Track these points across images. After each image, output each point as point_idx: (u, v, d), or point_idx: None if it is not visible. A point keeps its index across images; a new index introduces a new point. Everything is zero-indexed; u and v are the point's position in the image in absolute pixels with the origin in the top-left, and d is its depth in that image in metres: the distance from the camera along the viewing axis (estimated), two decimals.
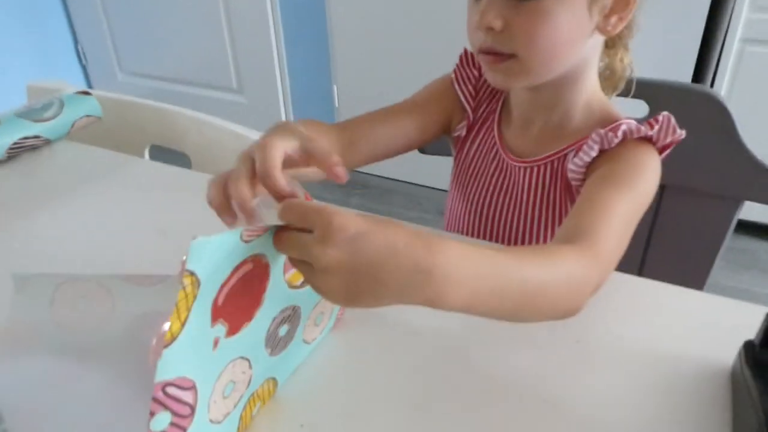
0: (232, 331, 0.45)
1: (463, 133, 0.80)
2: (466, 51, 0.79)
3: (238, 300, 0.44)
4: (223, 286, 0.42)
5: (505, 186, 0.76)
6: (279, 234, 0.44)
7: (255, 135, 0.94)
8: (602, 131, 0.65)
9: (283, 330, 0.51)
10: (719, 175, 0.87)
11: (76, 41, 2.62)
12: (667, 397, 0.53)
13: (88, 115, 0.91)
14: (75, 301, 0.62)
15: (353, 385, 0.55)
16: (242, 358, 0.47)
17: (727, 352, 0.55)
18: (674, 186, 0.90)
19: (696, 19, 1.52)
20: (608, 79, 0.74)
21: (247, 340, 0.47)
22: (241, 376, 0.48)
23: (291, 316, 0.51)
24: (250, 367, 0.48)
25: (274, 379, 0.52)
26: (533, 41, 0.62)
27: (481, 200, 0.78)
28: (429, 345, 0.59)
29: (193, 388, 0.41)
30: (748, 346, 0.53)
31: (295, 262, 0.44)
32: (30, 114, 0.87)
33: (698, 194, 0.89)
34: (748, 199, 0.86)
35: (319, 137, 0.66)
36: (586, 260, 0.53)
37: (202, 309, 0.41)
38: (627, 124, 0.66)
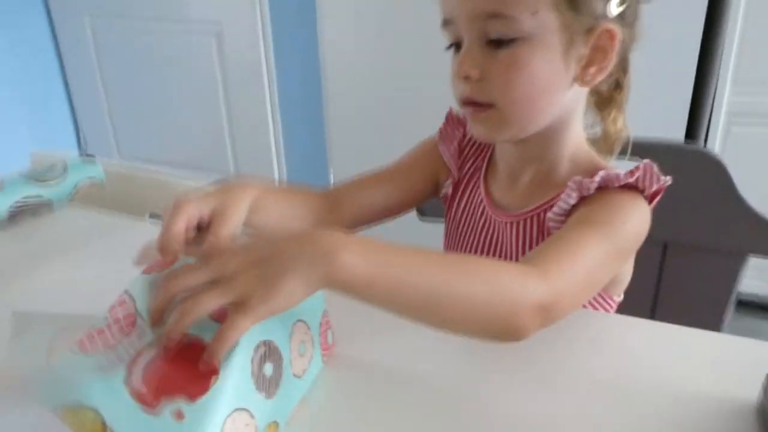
0: (197, 393, 0.43)
1: (450, 191, 0.80)
2: (451, 110, 0.81)
3: (174, 367, 0.44)
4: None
5: (493, 242, 0.75)
6: (174, 273, 0.47)
7: None
8: (579, 178, 0.64)
9: (268, 369, 0.48)
10: (721, 231, 0.87)
11: (76, 125, 2.67)
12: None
13: (91, 179, 0.92)
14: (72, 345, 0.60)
15: (350, 424, 0.53)
16: (238, 410, 0.45)
17: (750, 389, 0.53)
18: (677, 244, 0.90)
19: (686, 78, 1.57)
20: (603, 141, 0.74)
21: (233, 392, 0.44)
22: (245, 429, 0.45)
23: (269, 353, 0.49)
24: (252, 416, 0.46)
25: (275, 422, 0.49)
26: (509, 89, 0.63)
27: (473, 252, 0.77)
28: (425, 383, 0.57)
29: None
30: None
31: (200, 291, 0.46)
32: (33, 175, 0.87)
33: (702, 251, 0.89)
34: (751, 253, 0.86)
35: (291, 199, 0.73)
36: (530, 277, 0.52)
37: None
38: (606, 170, 0.65)
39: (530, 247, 0.71)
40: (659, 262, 0.91)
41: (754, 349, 0.60)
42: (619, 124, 0.73)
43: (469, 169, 0.79)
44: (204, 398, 0.43)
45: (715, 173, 0.86)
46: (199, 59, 2.23)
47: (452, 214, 0.80)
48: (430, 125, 0.83)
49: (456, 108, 0.73)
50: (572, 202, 0.64)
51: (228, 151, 2.32)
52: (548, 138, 0.69)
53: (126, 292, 0.49)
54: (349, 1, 1.84)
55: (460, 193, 0.79)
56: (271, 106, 2.18)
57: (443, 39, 0.68)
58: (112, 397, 0.42)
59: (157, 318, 0.48)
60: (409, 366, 0.60)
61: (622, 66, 0.68)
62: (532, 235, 0.70)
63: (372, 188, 0.78)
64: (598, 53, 0.63)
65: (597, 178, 0.63)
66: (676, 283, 0.91)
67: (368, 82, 1.92)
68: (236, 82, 2.21)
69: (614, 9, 0.62)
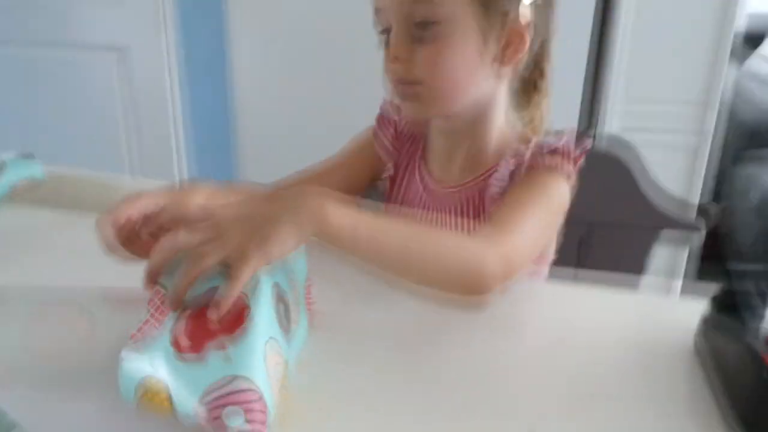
0: (234, 327, 0.47)
1: (392, 172, 0.87)
2: (380, 113, 0.90)
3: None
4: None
5: (435, 213, 0.82)
6: (172, 234, 0.51)
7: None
8: (514, 146, 0.75)
9: (281, 308, 0.52)
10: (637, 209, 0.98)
11: None
12: (645, 376, 0.59)
13: (30, 178, 0.89)
14: (54, 327, 0.59)
15: (337, 384, 0.56)
16: (272, 338, 0.48)
17: (684, 335, 0.63)
18: (598, 223, 1.00)
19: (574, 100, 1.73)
20: (529, 125, 0.82)
21: (266, 321, 0.48)
22: (276, 357, 0.49)
23: (279, 295, 0.53)
24: (280, 347, 0.50)
25: (287, 361, 0.52)
26: (434, 68, 0.71)
27: None
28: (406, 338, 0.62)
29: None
30: (705, 319, 0.61)
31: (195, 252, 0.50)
32: None
33: (620, 226, 1.00)
34: (665, 227, 0.98)
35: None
36: (484, 241, 0.61)
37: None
38: (536, 139, 0.75)
39: (471, 213, 0.78)
40: (576, 253, 1.01)
41: (681, 304, 0.70)
42: (543, 110, 0.82)
43: (405, 154, 0.86)
44: (242, 328, 0.47)
45: (621, 172, 0.97)
46: (101, 84, 2.16)
47: (394, 193, 0.86)
48: (343, 133, 0.90)
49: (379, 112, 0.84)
50: (511, 167, 0.74)
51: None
52: (476, 120, 0.77)
53: (159, 283, 0.52)
54: (261, 28, 1.87)
55: (401, 172, 0.86)
56: (176, 138, 2.14)
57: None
58: (168, 361, 0.46)
59: (154, 275, 0.52)
60: (383, 325, 0.65)
61: (544, 54, 0.77)
62: (473, 202, 0.78)
63: (322, 180, 0.82)
64: (514, 36, 0.72)
65: (531, 145, 0.73)
66: (598, 259, 1.01)
67: (279, 105, 1.95)
68: (141, 108, 2.16)
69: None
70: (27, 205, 0.90)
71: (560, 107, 0.82)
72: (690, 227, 0.94)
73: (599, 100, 1.78)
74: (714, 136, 1.76)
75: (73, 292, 0.61)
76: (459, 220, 0.79)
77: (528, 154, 0.73)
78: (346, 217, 0.54)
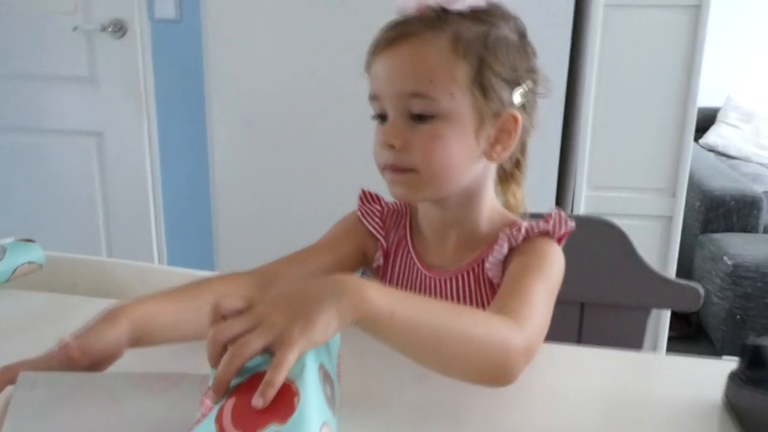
0: (285, 415, 0.46)
1: (381, 261, 0.86)
2: (363, 191, 0.89)
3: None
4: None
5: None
6: (218, 326, 0.51)
7: (206, 273, 0.95)
8: (508, 231, 0.76)
9: (327, 389, 0.51)
10: (627, 290, 1.01)
11: None
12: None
13: (30, 262, 0.87)
14: (81, 412, 0.57)
15: None
16: (325, 423, 0.47)
17: (710, 393, 0.64)
18: (592, 303, 1.03)
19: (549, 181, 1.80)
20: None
21: (317, 406, 0.47)
22: None
23: (325, 376, 0.52)
24: (332, 430, 0.48)
25: None
26: (428, 157, 0.73)
27: None
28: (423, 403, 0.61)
29: None
30: (734, 374, 0.62)
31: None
32: None
33: (613, 307, 1.02)
34: (654, 307, 1.01)
35: (230, 285, 0.75)
36: (511, 326, 0.62)
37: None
38: (528, 223, 0.77)
39: (470, 300, 0.79)
40: (578, 321, 1.03)
41: (704, 364, 0.72)
42: (519, 197, 0.85)
43: (394, 238, 0.86)
44: (295, 416, 0.45)
45: (619, 241, 1.01)
46: (79, 168, 2.16)
47: (386, 281, 0.85)
48: (320, 229, 0.88)
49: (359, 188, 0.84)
50: (505, 252, 0.75)
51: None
52: (466, 203, 0.79)
53: (208, 388, 0.50)
54: (238, 109, 1.91)
55: (391, 260, 0.85)
56: (156, 220, 2.13)
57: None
58: None
59: (215, 363, 0.50)
60: (405, 389, 0.64)
61: (522, 148, 0.81)
62: (470, 288, 0.79)
63: (303, 264, 0.81)
64: (503, 134, 0.75)
65: (522, 230, 0.75)
66: (595, 338, 1.03)
67: (258, 189, 1.96)
68: (120, 191, 2.15)
69: (517, 99, 0.75)
70: (27, 289, 0.87)
71: (534, 193, 0.86)
72: (691, 290, 0.97)
73: (567, 186, 1.86)
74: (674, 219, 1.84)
75: (100, 379, 0.59)
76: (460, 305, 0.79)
77: (520, 238, 0.75)
78: (384, 301, 0.54)
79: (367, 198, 0.88)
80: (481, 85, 0.72)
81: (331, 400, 0.51)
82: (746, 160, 2.99)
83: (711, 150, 3.02)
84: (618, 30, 1.74)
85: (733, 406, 0.62)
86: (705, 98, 1.76)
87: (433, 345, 0.57)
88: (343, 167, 1.83)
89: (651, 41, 1.74)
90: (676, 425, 0.61)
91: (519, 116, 0.74)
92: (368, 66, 0.76)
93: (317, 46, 1.81)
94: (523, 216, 0.83)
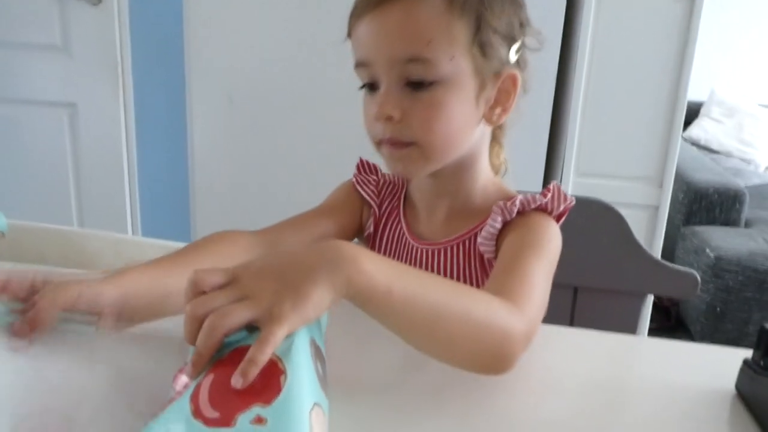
0: (271, 396, 0.41)
1: (371, 230, 0.82)
2: (361, 160, 0.85)
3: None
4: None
5: None
6: (199, 298, 0.46)
7: (181, 244, 0.90)
8: (501, 203, 0.71)
9: (319, 367, 0.47)
10: (623, 275, 0.98)
11: None
12: (689, 422, 0.56)
13: None
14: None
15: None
16: (316, 404, 0.42)
17: (721, 381, 0.61)
18: (586, 287, 0.99)
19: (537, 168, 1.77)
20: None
21: (308, 386, 0.42)
22: (322, 426, 0.43)
23: (316, 352, 0.47)
24: (324, 413, 0.44)
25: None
26: (430, 128, 0.67)
27: None
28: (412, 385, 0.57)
29: None
30: (749, 362, 0.59)
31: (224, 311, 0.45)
32: None
33: (607, 292, 0.99)
34: (650, 293, 0.98)
35: (231, 248, 0.68)
36: (512, 310, 0.57)
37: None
38: (523, 195, 0.72)
39: (458, 273, 0.75)
40: (571, 305, 1.00)
41: (716, 351, 0.69)
42: (501, 157, 0.81)
43: (386, 208, 0.82)
44: (280, 397, 0.40)
45: (616, 223, 0.98)
46: (51, 140, 2.07)
47: (375, 249, 0.82)
48: (299, 204, 0.84)
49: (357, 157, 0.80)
50: (498, 226, 0.71)
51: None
52: (460, 173, 0.75)
53: (185, 363, 0.45)
54: (220, 84, 1.84)
55: (380, 229, 0.82)
56: (130, 194, 2.06)
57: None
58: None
59: (193, 342, 0.45)
60: (401, 366, 0.59)
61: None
62: (459, 261, 0.75)
63: (306, 229, 0.77)
64: (502, 95, 0.70)
65: (517, 203, 0.70)
66: (587, 323, 1.00)
67: (238, 164, 1.91)
68: (94, 163, 2.07)
69: (513, 56, 0.70)
70: None
71: (522, 178, 0.83)
72: (689, 277, 0.94)
73: (555, 172, 1.83)
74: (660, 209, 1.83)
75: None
76: (448, 278, 0.75)
77: (515, 212, 0.70)
78: (382, 275, 0.48)
79: (365, 167, 0.85)
80: (481, 44, 0.67)
81: (323, 379, 0.46)
82: (728, 155, 2.99)
83: (693, 143, 3.03)
84: (610, 18, 1.71)
85: (745, 394, 0.58)
86: (689, 92, 1.74)
87: (430, 326, 0.52)
88: (325, 142, 1.79)
89: (643, 30, 1.72)
90: (685, 414, 0.57)
91: (518, 75, 0.70)
92: (351, 30, 0.69)
93: (300, 18, 1.75)
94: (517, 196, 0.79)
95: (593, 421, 0.55)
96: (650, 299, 1.10)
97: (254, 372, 0.41)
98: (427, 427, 0.53)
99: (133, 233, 2.06)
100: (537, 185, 1.77)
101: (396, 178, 0.83)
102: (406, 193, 0.82)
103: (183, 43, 1.81)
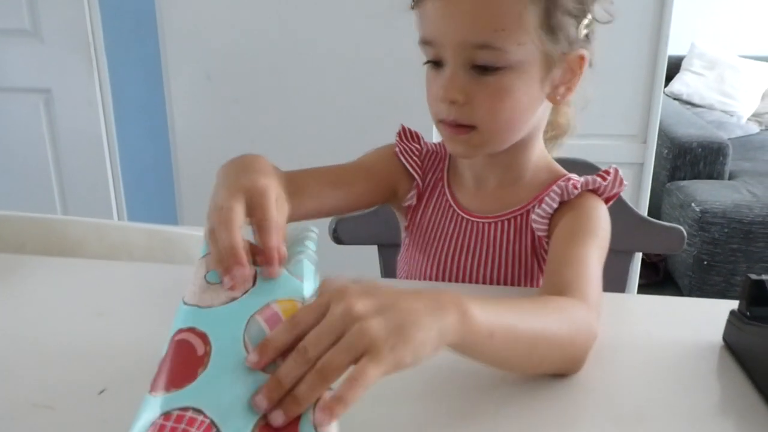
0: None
1: (414, 201, 0.81)
2: (403, 127, 0.83)
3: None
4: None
5: (469, 244, 0.77)
6: (301, 323, 0.43)
7: (168, 228, 0.89)
8: (563, 184, 0.71)
9: None
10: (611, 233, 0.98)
11: None
12: (679, 372, 0.57)
13: None
14: None
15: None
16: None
17: (709, 333, 0.62)
18: None
19: None
20: (553, 135, 0.81)
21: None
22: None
23: None
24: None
25: None
26: (494, 115, 0.66)
27: (446, 260, 0.78)
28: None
29: None
30: (735, 313, 0.59)
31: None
32: None
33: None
34: (637, 250, 0.98)
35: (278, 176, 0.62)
36: (586, 312, 0.57)
37: None
38: (584, 177, 0.72)
39: (509, 247, 0.75)
40: None
41: (705, 304, 0.70)
42: (568, 115, 0.79)
43: (430, 179, 0.81)
44: None
45: None
46: (27, 126, 2.03)
47: (417, 220, 0.81)
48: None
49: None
50: (555, 206, 0.70)
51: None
52: (517, 149, 0.73)
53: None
54: (196, 61, 1.81)
55: (425, 201, 0.81)
56: (113, 178, 2.03)
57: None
58: None
59: (272, 357, 0.43)
60: None
61: None
62: (510, 235, 0.75)
63: (339, 184, 0.76)
64: (567, 74, 0.69)
65: (579, 185, 0.70)
66: None
67: (220, 143, 1.88)
68: (73, 149, 2.04)
69: (583, 32, 0.68)
70: None
71: None
72: (675, 231, 0.94)
73: None
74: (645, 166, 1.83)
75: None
76: (497, 252, 0.75)
77: (575, 194, 0.70)
78: (483, 318, 0.47)
79: (407, 135, 0.83)
80: (550, 27, 0.65)
81: None
82: (710, 108, 3.00)
83: (676, 98, 3.03)
84: None
85: (733, 345, 0.59)
86: (669, 46, 1.74)
87: (527, 356, 0.53)
88: (307, 118, 1.77)
89: None
90: (674, 367, 0.58)
91: (585, 53, 0.68)
92: (418, 3, 0.67)
93: None
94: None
95: (584, 377, 0.56)
96: (638, 256, 1.11)
97: (341, 412, 0.40)
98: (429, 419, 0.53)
99: (118, 217, 2.04)
100: None
101: (439, 147, 0.82)
102: (449, 163, 0.81)
103: (156, 20, 1.78)
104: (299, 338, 0.42)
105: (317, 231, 0.56)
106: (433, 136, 0.89)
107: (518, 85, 0.66)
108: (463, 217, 0.78)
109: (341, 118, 1.72)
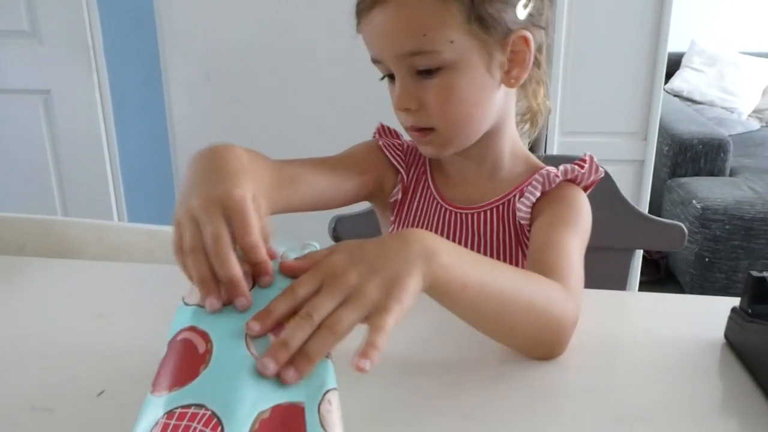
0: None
1: (399, 196, 0.82)
2: (382, 125, 0.84)
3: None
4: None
5: (455, 235, 0.78)
6: (295, 295, 0.46)
7: (167, 228, 0.88)
8: (544, 172, 0.73)
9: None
10: (611, 232, 0.98)
11: None
12: (682, 370, 0.57)
13: None
14: None
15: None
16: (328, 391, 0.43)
17: (710, 330, 0.61)
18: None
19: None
20: (529, 116, 0.81)
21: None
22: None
23: None
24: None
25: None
26: (446, 113, 0.69)
27: None
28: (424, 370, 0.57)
29: None
30: (737, 309, 0.59)
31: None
32: None
33: (596, 249, 0.99)
34: (638, 248, 0.98)
35: (256, 169, 0.62)
36: (565, 296, 0.58)
37: None
38: (563, 166, 0.74)
39: (492, 236, 0.76)
40: None
41: (707, 301, 0.70)
42: (540, 97, 0.79)
43: (413, 174, 0.82)
44: None
45: (603, 179, 0.97)
46: (27, 129, 2.03)
47: (403, 215, 0.82)
48: None
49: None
50: (538, 194, 0.72)
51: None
52: (488, 138, 0.75)
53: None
54: (195, 61, 1.81)
55: (410, 196, 0.82)
56: (113, 179, 2.03)
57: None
58: None
59: (271, 326, 0.45)
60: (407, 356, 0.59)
61: (538, 48, 0.74)
62: (493, 225, 0.76)
63: (329, 176, 0.76)
64: (516, 56, 0.69)
65: (560, 173, 0.72)
66: None
67: (219, 137, 1.88)
68: (73, 149, 2.03)
69: (521, 13, 0.68)
70: None
71: None
72: (676, 229, 0.94)
73: (540, 132, 1.82)
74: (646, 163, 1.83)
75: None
76: (481, 241, 0.76)
77: (556, 182, 0.72)
78: (456, 268, 0.50)
79: (386, 132, 0.84)
80: (479, 19, 0.66)
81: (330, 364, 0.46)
82: (711, 104, 2.99)
83: (676, 95, 3.02)
84: None
85: (734, 342, 0.59)
86: (669, 43, 1.73)
87: (498, 316, 0.54)
88: (307, 118, 1.77)
89: None
90: (675, 364, 0.58)
91: (528, 35, 0.68)
92: (358, 27, 0.71)
93: None
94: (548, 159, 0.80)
95: (584, 375, 0.56)
96: (639, 254, 1.11)
97: (377, 356, 0.43)
98: (434, 411, 0.53)
99: (118, 217, 2.04)
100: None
101: None
102: (431, 159, 0.82)
103: (155, 21, 1.77)
104: (297, 308, 0.46)
105: (318, 246, 0.56)
106: None
107: (461, 82, 0.68)
108: (447, 209, 0.79)
109: (341, 118, 1.71)
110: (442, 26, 0.65)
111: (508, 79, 0.71)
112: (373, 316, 0.45)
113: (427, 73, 0.67)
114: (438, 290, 0.50)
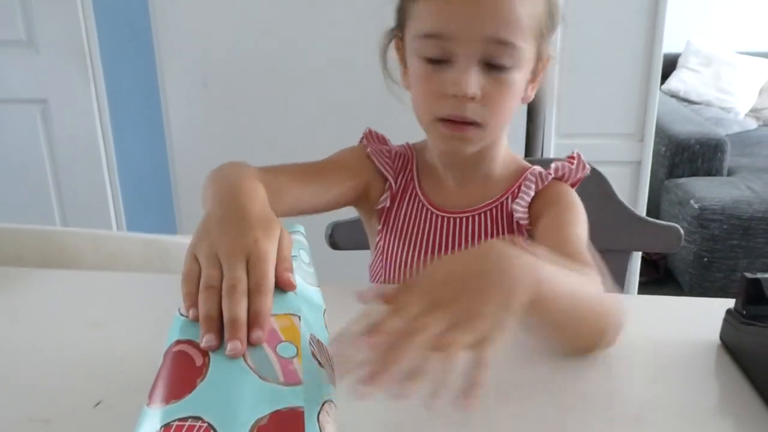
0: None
1: (387, 204, 0.81)
2: (370, 130, 0.84)
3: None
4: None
5: (447, 240, 0.78)
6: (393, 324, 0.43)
7: (164, 237, 0.89)
8: (536, 171, 0.74)
9: (319, 365, 0.46)
10: (608, 234, 0.98)
11: None
12: (677, 372, 0.57)
13: None
14: None
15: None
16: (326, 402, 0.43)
17: (706, 332, 0.61)
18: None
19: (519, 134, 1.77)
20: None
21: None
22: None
23: (319, 347, 0.47)
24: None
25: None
26: (501, 112, 0.68)
27: (425, 259, 0.78)
28: None
29: None
30: (732, 311, 0.59)
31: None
32: None
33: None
34: (635, 250, 0.98)
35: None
36: (598, 276, 0.58)
37: None
38: (553, 164, 0.75)
39: (487, 238, 0.76)
40: None
41: (703, 303, 0.70)
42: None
43: (401, 181, 0.82)
44: None
45: (598, 182, 0.98)
46: (24, 138, 2.03)
47: (390, 224, 0.82)
48: None
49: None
50: (532, 193, 0.73)
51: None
52: (491, 145, 0.75)
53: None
54: (192, 69, 1.81)
55: (397, 203, 0.81)
56: (111, 188, 2.03)
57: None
58: None
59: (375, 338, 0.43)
60: None
61: None
62: (488, 228, 0.76)
63: (316, 180, 0.76)
64: (538, 74, 0.71)
65: (551, 171, 0.74)
66: None
67: (218, 151, 1.88)
68: (71, 159, 2.04)
69: (552, 36, 0.71)
70: None
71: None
72: (672, 230, 0.94)
73: (536, 135, 1.82)
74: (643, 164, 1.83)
75: None
76: (475, 245, 0.75)
77: (550, 179, 0.74)
78: (555, 292, 0.49)
79: (374, 138, 0.83)
80: (548, 29, 0.67)
81: (327, 373, 0.46)
82: (707, 104, 2.99)
83: (673, 96, 3.02)
84: None
85: (730, 344, 0.59)
86: (665, 44, 1.74)
87: (576, 322, 0.54)
88: (304, 125, 1.77)
89: None
90: (671, 366, 0.58)
91: (552, 56, 0.71)
92: None
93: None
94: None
95: (581, 377, 0.56)
96: (637, 255, 1.11)
97: (479, 393, 0.42)
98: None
99: (117, 227, 2.04)
100: (519, 149, 1.77)
101: (405, 149, 0.83)
102: (417, 164, 0.82)
103: (151, 29, 1.78)
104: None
105: (303, 229, 0.56)
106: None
107: (520, 84, 0.68)
108: (438, 215, 0.78)
109: (338, 126, 1.71)
110: (533, 25, 0.65)
111: (526, 95, 0.72)
112: (477, 346, 0.43)
113: (496, 67, 0.65)
114: (538, 309, 0.47)
